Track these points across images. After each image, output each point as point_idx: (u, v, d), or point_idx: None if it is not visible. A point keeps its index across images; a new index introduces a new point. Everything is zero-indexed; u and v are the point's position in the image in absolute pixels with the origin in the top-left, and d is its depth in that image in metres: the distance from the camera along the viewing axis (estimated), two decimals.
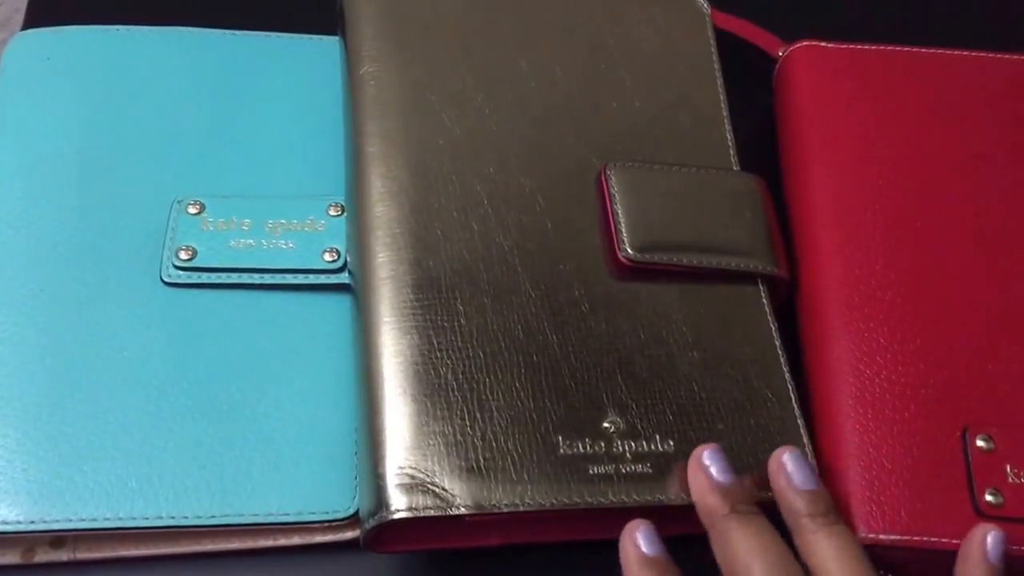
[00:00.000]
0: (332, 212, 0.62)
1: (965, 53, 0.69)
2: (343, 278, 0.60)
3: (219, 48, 0.68)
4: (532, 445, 0.52)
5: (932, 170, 0.64)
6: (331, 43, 0.68)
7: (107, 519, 0.53)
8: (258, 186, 0.63)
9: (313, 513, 0.54)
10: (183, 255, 0.59)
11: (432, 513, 0.50)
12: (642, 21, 0.69)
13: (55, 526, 0.52)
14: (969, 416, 0.57)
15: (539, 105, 0.63)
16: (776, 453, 0.53)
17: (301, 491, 0.55)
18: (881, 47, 0.69)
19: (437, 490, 0.50)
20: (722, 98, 0.67)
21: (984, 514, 0.54)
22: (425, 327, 0.54)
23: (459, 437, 0.52)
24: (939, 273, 0.61)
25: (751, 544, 0.49)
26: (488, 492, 0.51)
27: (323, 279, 0.60)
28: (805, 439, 0.56)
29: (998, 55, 0.69)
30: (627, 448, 0.54)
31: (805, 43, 0.69)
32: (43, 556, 0.54)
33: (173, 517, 0.53)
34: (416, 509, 0.49)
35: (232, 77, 0.67)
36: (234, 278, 0.60)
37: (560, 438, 0.53)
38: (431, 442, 0.51)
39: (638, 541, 0.50)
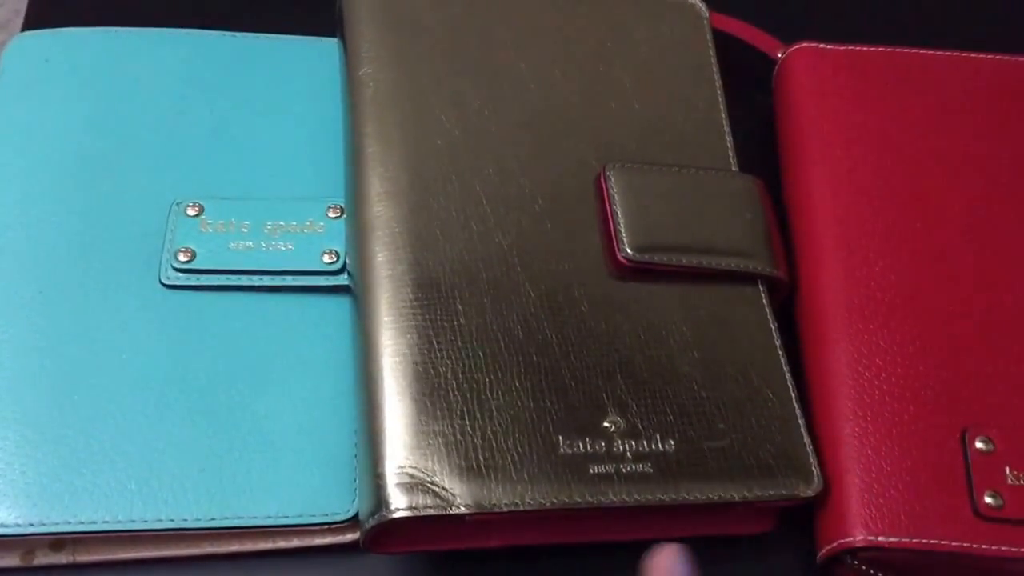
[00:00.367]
0: (331, 214, 0.62)
1: (964, 54, 0.69)
2: (342, 280, 0.60)
3: (218, 50, 0.68)
4: (532, 445, 0.52)
5: (931, 171, 0.64)
6: (330, 45, 0.68)
7: (106, 521, 0.53)
8: (257, 188, 0.63)
9: (313, 515, 0.54)
10: (182, 257, 0.59)
11: (432, 512, 0.49)
12: (641, 23, 0.69)
13: (54, 528, 0.52)
14: (968, 418, 0.57)
15: (538, 106, 0.63)
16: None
17: (300, 493, 0.55)
18: (880, 48, 0.69)
19: (437, 489, 0.50)
20: (721, 99, 0.67)
21: (983, 516, 0.54)
22: (425, 327, 0.54)
23: (459, 437, 0.52)
24: (938, 275, 0.61)
25: None
26: (488, 492, 0.50)
27: (322, 281, 0.60)
28: (806, 438, 0.56)
29: (997, 56, 0.69)
30: (627, 448, 0.53)
31: (804, 44, 0.69)
32: (42, 559, 0.54)
33: (172, 520, 0.53)
34: (416, 508, 0.49)
35: (231, 79, 0.67)
36: (233, 280, 0.60)
37: (560, 438, 0.53)
38: (431, 442, 0.51)
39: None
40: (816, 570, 0.56)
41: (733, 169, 0.65)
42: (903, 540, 0.53)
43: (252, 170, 0.64)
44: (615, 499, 0.52)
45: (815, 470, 0.55)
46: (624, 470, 0.53)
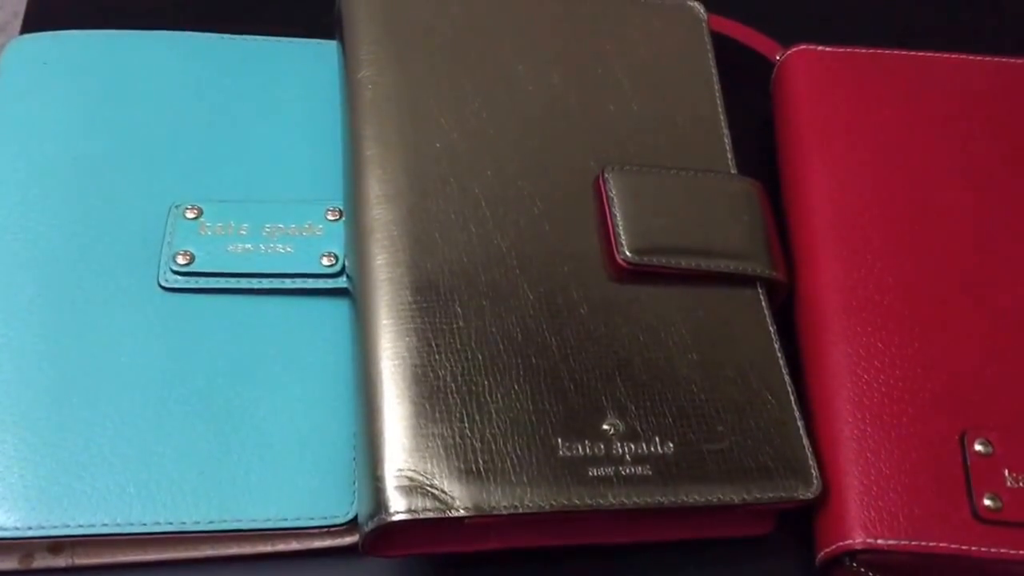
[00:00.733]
0: (330, 216, 0.62)
1: (963, 57, 0.69)
2: (341, 282, 0.60)
3: (217, 52, 0.68)
4: (531, 447, 0.52)
5: (930, 173, 0.64)
6: (329, 47, 0.68)
7: (105, 525, 0.53)
8: (256, 190, 0.63)
9: (312, 518, 0.54)
10: (181, 260, 0.59)
11: (431, 515, 0.49)
12: (639, 25, 0.69)
13: (53, 532, 0.52)
14: (967, 420, 0.57)
15: (537, 109, 0.63)
16: None
17: (299, 496, 0.55)
18: (878, 51, 0.69)
19: (436, 492, 0.50)
20: (719, 102, 0.67)
21: (982, 519, 0.54)
22: (423, 329, 0.54)
23: (458, 439, 0.52)
24: (937, 277, 0.61)
25: None
26: (487, 494, 0.50)
27: (321, 283, 0.60)
28: (805, 441, 0.56)
29: (995, 59, 0.69)
30: (627, 450, 0.53)
31: (802, 47, 0.69)
32: (41, 562, 0.54)
33: (171, 523, 0.53)
34: (415, 511, 0.49)
35: (230, 81, 0.67)
36: (232, 283, 0.60)
37: (559, 440, 0.53)
38: (430, 444, 0.51)
39: None
40: (815, 572, 0.56)
41: (732, 171, 0.65)
42: (902, 542, 0.53)
43: (251, 173, 0.64)
44: (614, 501, 0.52)
45: (814, 472, 0.55)
46: (623, 472, 0.53)
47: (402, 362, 0.53)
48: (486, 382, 0.54)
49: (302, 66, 0.69)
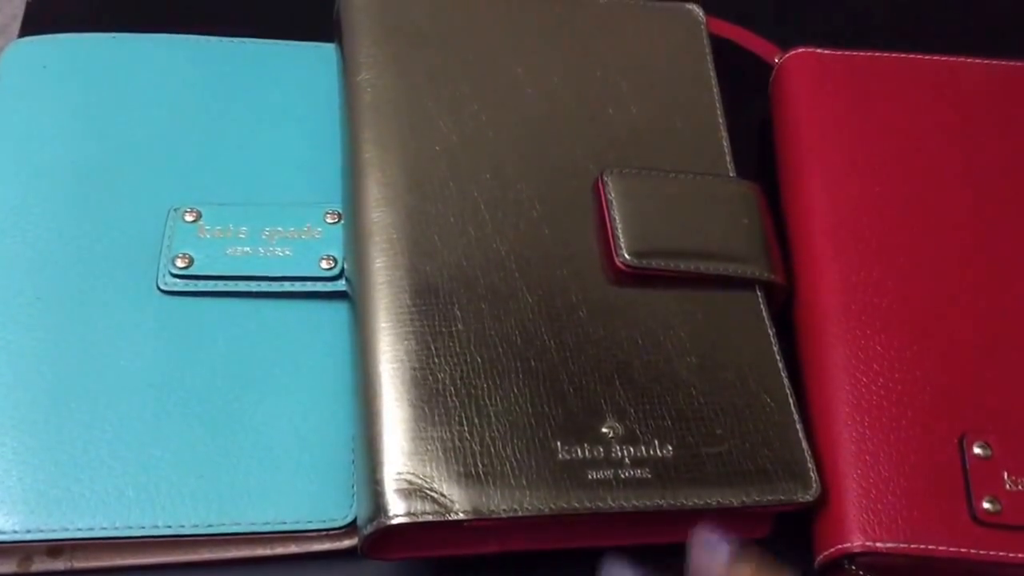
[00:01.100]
0: (329, 219, 0.62)
1: (962, 59, 0.69)
2: (340, 285, 0.60)
3: (216, 55, 0.68)
4: (530, 450, 0.52)
5: (929, 177, 0.64)
6: (328, 50, 0.68)
7: (104, 528, 0.53)
8: (255, 194, 0.63)
9: (310, 521, 0.54)
10: (180, 263, 0.59)
11: (430, 518, 0.49)
12: (638, 28, 0.69)
13: (52, 535, 0.52)
14: (966, 423, 0.57)
15: (536, 112, 0.63)
16: None
17: (298, 499, 0.55)
18: (877, 54, 0.69)
19: (435, 496, 0.50)
20: (718, 105, 0.67)
21: (981, 522, 0.54)
22: (423, 333, 0.54)
23: (457, 443, 0.52)
24: (936, 279, 0.61)
25: None
26: (487, 498, 0.50)
27: (320, 286, 0.60)
28: (804, 444, 0.56)
29: (994, 62, 0.69)
30: (626, 453, 0.54)
31: (801, 50, 0.69)
32: (40, 565, 0.54)
33: (170, 526, 0.53)
34: (414, 515, 0.49)
35: (229, 84, 0.67)
36: (231, 286, 0.60)
37: (559, 443, 0.53)
38: (429, 448, 0.51)
39: None
40: (814, 575, 0.56)
41: (731, 174, 0.65)
42: (901, 545, 0.53)
43: (250, 176, 0.64)
44: (613, 505, 0.52)
45: (813, 475, 0.55)
46: (622, 476, 0.53)
47: (401, 365, 0.53)
48: (485, 385, 0.54)
49: (301, 69, 0.69)
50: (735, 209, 0.62)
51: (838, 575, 0.55)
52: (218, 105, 0.66)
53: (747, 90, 0.72)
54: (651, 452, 0.54)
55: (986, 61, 0.69)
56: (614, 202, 0.60)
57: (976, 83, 0.68)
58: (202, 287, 0.59)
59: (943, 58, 0.69)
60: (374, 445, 0.51)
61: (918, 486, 0.55)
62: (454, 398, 0.53)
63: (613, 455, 0.53)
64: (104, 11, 0.74)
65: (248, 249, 0.60)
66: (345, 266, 0.59)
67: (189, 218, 0.61)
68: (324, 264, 0.60)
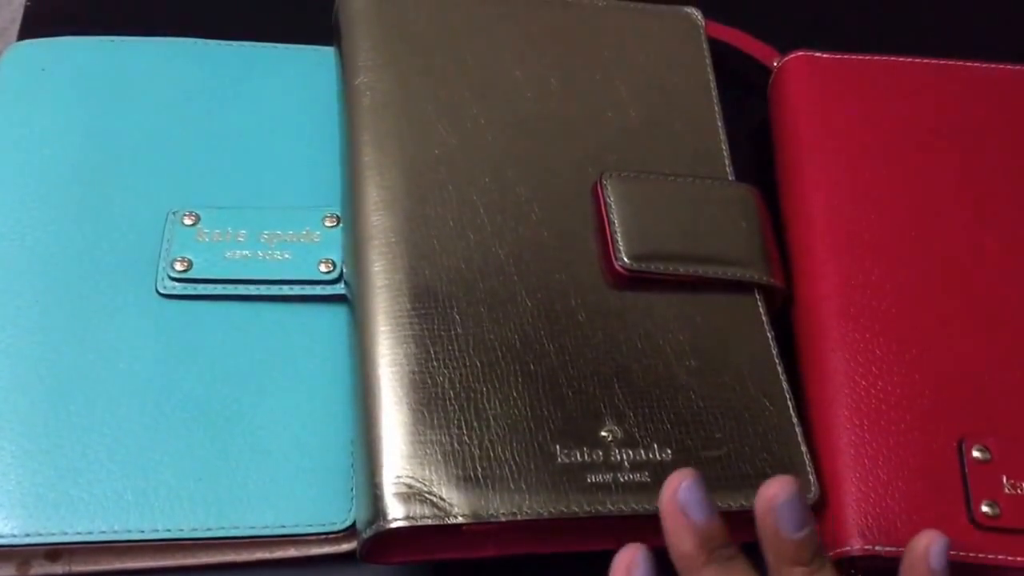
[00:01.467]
0: (328, 223, 0.62)
1: (961, 63, 0.69)
2: (339, 289, 0.60)
3: (215, 59, 0.68)
4: (530, 454, 0.52)
5: (928, 180, 0.64)
6: (327, 53, 0.68)
7: (103, 532, 0.53)
8: (253, 197, 0.63)
9: (309, 525, 0.54)
10: (178, 266, 0.59)
11: (430, 522, 0.49)
12: (637, 32, 0.69)
13: (51, 539, 0.52)
14: (965, 426, 0.57)
15: (535, 115, 0.63)
16: (767, 491, 0.48)
17: (297, 503, 0.55)
18: (876, 57, 0.69)
19: (435, 499, 0.50)
20: (717, 108, 0.67)
21: (980, 525, 0.54)
22: (422, 336, 0.54)
23: (456, 446, 0.52)
24: (935, 283, 0.61)
25: None
26: (486, 501, 0.50)
27: (319, 290, 0.60)
28: (803, 447, 0.56)
29: (993, 65, 0.69)
30: (625, 457, 0.54)
31: (800, 53, 0.69)
32: (39, 569, 0.54)
33: (169, 530, 0.53)
34: (413, 518, 0.49)
35: (227, 87, 0.67)
36: (230, 289, 0.60)
37: (558, 447, 0.53)
38: (428, 451, 0.51)
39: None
40: None
41: (729, 178, 0.65)
42: (900, 549, 0.52)
43: (248, 179, 0.64)
44: (612, 508, 0.52)
45: (812, 479, 0.55)
46: (622, 479, 0.53)
47: (400, 369, 0.53)
48: (484, 389, 0.54)
49: (300, 72, 0.69)
50: (734, 212, 0.62)
51: None
52: (217, 108, 0.66)
53: (746, 93, 0.72)
54: (650, 456, 0.54)
55: (985, 64, 0.69)
56: (613, 205, 0.60)
57: (975, 86, 0.68)
58: (201, 291, 0.59)
59: (942, 61, 0.69)
60: (373, 449, 0.51)
61: (917, 490, 0.55)
62: (453, 402, 0.53)
63: (612, 459, 0.53)
64: (102, 14, 0.74)
65: (247, 252, 0.60)
66: (344, 270, 0.59)
67: (188, 221, 0.61)
68: (323, 267, 0.60)
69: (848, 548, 0.53)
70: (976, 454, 0.55)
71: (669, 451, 0.54)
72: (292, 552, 0.55)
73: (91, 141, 0.64)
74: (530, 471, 0.52)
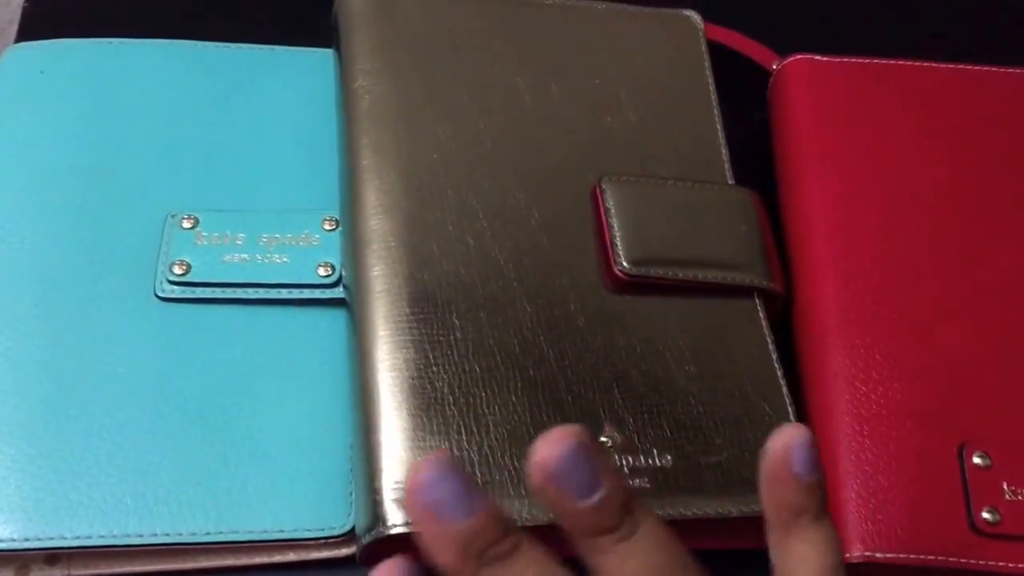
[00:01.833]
0: (327, 226, 0.61)
1: (961, 67, 0.69)
2: (338, 292, 0.60)
3: (213, 61, 0.68)
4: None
5: (928, 184, 0.64)
6: (326, 56, 0.68)
7: (102, 536, 0.52)
8: (252, 200, 0.63)
9: (309, 530, 0.54)
10: (177, 270, 0.59)
11: None
12: (636, 35, 0.69)
13: (50, 543, 0.52)
14: (966, 433, 0.57)
15: (534, 119, 0.63)
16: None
17: (297, 507, 0.54)
18: (876, 61, 0.69)
19: None
20: (716, 112, 0.67)
21: (981, 532, 0.54)
22: (421, 341, 0.54)
23: (455, 452, 0.52)
24: (936, 288, 0.61)
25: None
26: None
27: (318, 294, 0.60)
28: None
29: (994, 69, 0.69)
30: (624, 463, 0.53)
31: (800, 56, 0.69)
32: (37, 573, 0.54)
33: (168, 534, 0.53)
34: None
35: (226, 90, 0.67)
36: (228, 293, 0.59)
37: None
38: None
39: None
40: None
41: (729, 182, 0.65)
42: (900, 556, 0.53)
43: (247, 182, 0.64)
44: None
45: None
46: None
47: (399, 374, 0.53)
48: (483, 394, 0.53)
49: (299, 75, 0.69)
50: (733, 217, 0.62)
51: None
52: (215, 111, 0.66)
53: (745, 96, 0.72)
54: (650, 461, 0.54)
55: (985, 68, 0.69)
56: (612, 210, 0.60)
57: (976, 90, 0.68)
58: (199, 294, 0.59)
59: (943, 65, 0.69)
60: (372, 454, 0.51)
61: (917, 496, 0.55)
62: (452, 407, 0.53)
63: (612, 464, 0.53)
64: (101, 16, 0.74)
65: (245, 256, 0.60)
66: (343, 273, 0.59)
67: (186, 224, 0.61)
68: (322, 271, 0.60)
69: (848, 555, 0.53)
70: (977, 460, 0.55)
71: (669, 457, 0.54)
72: (291, 556, 0.55)
73: (89, 143, 0.64)
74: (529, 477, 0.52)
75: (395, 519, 0.49)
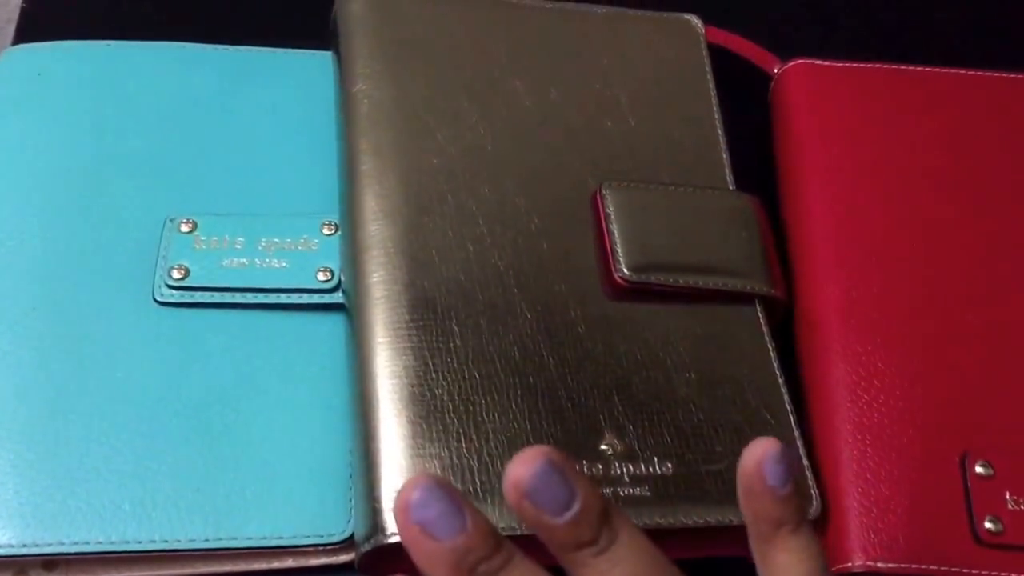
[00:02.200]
0: (326, 231, 0.61)
1: (962, 72, 0.69)
2: (337, 297, 0.59)
3: (212, 64, 0.68)
4: None
5: (930, 189, 0.64)
6: (325, 59, 0.68)
7: (100, 543, 0.52)
8: (251, 204, 0.63)
9: (307, 536, 0.54)
10: (176, 274, 0.59)
11: None
12: (636, 40, 0.69)
13: (47, 550, 0.52)
14: (968, 441, 0.56)
15: (534, 124, 0.63)
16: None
17: (295, 514, 0.54)
18: (877, 65, 0.69)
19: None
20: (717, 116, 0.67)
21: (983, 542, 0.54)
22: (420, 348, 0.54)
23: (455, 460, 0.51)
24: (938, 295, 0.60)
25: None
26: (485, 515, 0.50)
27: (317, 298, 0.60)
28: (804, 461, 0.56)
29: (996, 74, 0.69)
30: (625, 471, 0.53)
31: (801, 61, 0.69)
32: None
33: (167, 541, 0.53)
34: None
35: (225, 93, 0.67)
36: (227, 297, 0.59)
37: None
38: (427, 465, 0.51)
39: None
40: None
41: (730, 187, 0.65)
42: (902, 565, 0.53)
43: (246, 186, 0.64)
44: None
45: (813, 493, 0.55)
46: (621, 493, 0.53)
47: (399, 381, 0.53)
48: (483, 401, 0.53)
49: (298, 78, 0.68)
50: (734, 223, 0.62)
51: None
52: (214, 114, 0.66)
53: (746, 101, 0.71)
54: (650, 469, 0.54)
55: (987, 73, 0.69)
56: (612, 215, 0.60)
57: (978, 95, 0.68)
58: (198, 298, 0.59)
59: (942, 70, 0.69)
60: (372, 462, 0.51)
61: (919, 505, 0.54)
62: (452, 415, 0.53)
63: (612, 472, 0.53)
64: (99, 18, 0.74)
65: (244, 260, 0.60)
66: (342, 279, 0.59)
67: (185, 228, 0.61)
68: (321, 276, 0.60)
69: (849, 564, 0.53)
70: (979, 470, 0.55)
71: (669, 465, 0.54)
72: (290, 563, 0.55)
73: (87, 146, 0.63)
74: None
75: (394, 528, 0.49)
